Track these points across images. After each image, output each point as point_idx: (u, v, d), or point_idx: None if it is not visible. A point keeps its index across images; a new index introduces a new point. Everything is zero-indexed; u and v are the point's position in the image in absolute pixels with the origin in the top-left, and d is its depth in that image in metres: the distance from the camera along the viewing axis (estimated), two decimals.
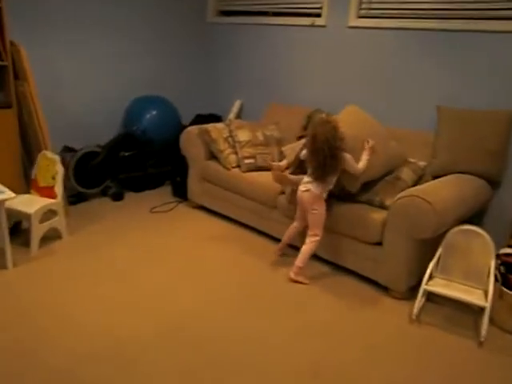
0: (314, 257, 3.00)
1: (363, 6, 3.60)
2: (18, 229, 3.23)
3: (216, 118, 4.62)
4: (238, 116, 4.64)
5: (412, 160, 3.07)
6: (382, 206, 2.85)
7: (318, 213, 2.78)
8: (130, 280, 2.76)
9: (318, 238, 2.83)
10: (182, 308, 2.50)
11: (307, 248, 2.84)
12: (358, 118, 3.02)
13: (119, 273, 2.83)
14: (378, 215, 2.76)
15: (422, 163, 3.06)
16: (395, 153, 3.03)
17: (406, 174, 2.99)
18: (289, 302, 2.65)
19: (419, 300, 2.51)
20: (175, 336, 2.26)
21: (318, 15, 3.88)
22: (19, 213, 2.99)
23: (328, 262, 3.07)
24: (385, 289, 2.78)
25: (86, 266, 2.88)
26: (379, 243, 2.75)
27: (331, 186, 2.78)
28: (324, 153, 2.59)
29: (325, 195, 2.79)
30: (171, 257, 3.09)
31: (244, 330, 2.35)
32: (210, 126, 3.74)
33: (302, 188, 2.81)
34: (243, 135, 3.62)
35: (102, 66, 4.21)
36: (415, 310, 2.49)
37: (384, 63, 3.54)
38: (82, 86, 4.11)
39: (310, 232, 2.85)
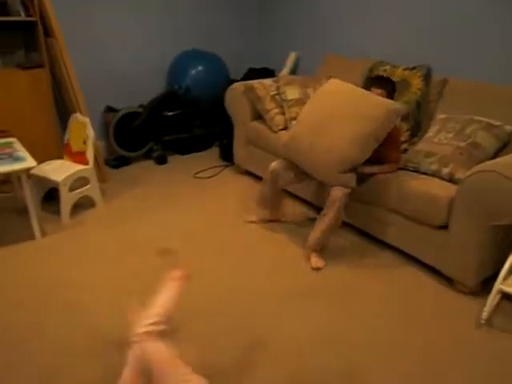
0: (369, 238, 2.56)
1: None
2: (54, 195, 3.10)
3: (269, 72, 4.17)
4: (294, 70, 4.14)
5: (496, 123, 2.46)
6: (452, 180, 2.33)
7: None
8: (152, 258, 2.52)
9: None
10: (208, 295, 2.23)
11: None
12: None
13: (146, 250, 2.60)
14: (445, 192, 2.24)
15: (508, 127, 2.44)
16: None
17: (487, 140, 2.40)
18: (335, 287, 2.28)
19: (491, 301, 2.02)
20: (194, 326, 2.00)
21: None
22: (48, 180, 2.84)
23: (385, 244, 2.62)
24: (450, 280, 2.30)
25: (113, 240, 2.68)
26: (445, 226, 2.25)
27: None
28: None
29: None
30: (203, 232, 2.80)
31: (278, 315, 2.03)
32: (256, 83, 3.32)
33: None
34: (292, 93, 3.17)
35: (145, 20, 3.86)
36: (485, 313, 2.01)
37: (462, 7, 2.85)
38: (124, 43, 3.81)
39: None
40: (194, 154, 4.06)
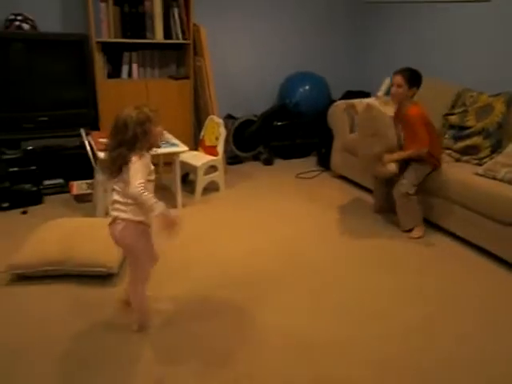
0: (438, 229, 3.07)
1: None
2: (186, 179, 3.89)
3: (365, 95, 4.78)
4: (387, 93, 4.72)
5: None
6: None
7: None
8: (267, 230, 3.19)
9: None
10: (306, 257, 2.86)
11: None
12: None
13: (259, 224, 3.29)
14: None
15: None
16: None
17: None
18: (410, 264, 2.81)
19: None
20: (297, 273, 2.63)
21: None
22: (188, 165, 3.63)
23: (457, 236, 3.12)
24: None
25: (235, 214, 3.42)
26: None
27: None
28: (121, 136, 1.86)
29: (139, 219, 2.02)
30: (306, 217, 3.45)
31: (360, 281, 2.61)
32: (356, 101, 3.94)
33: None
34: (389, 111, 3.75)
35: (265, 45, 4.68)
36: None
37: None
38: (247, 63, 4.65)
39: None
40: (294, 159, 4.74)
